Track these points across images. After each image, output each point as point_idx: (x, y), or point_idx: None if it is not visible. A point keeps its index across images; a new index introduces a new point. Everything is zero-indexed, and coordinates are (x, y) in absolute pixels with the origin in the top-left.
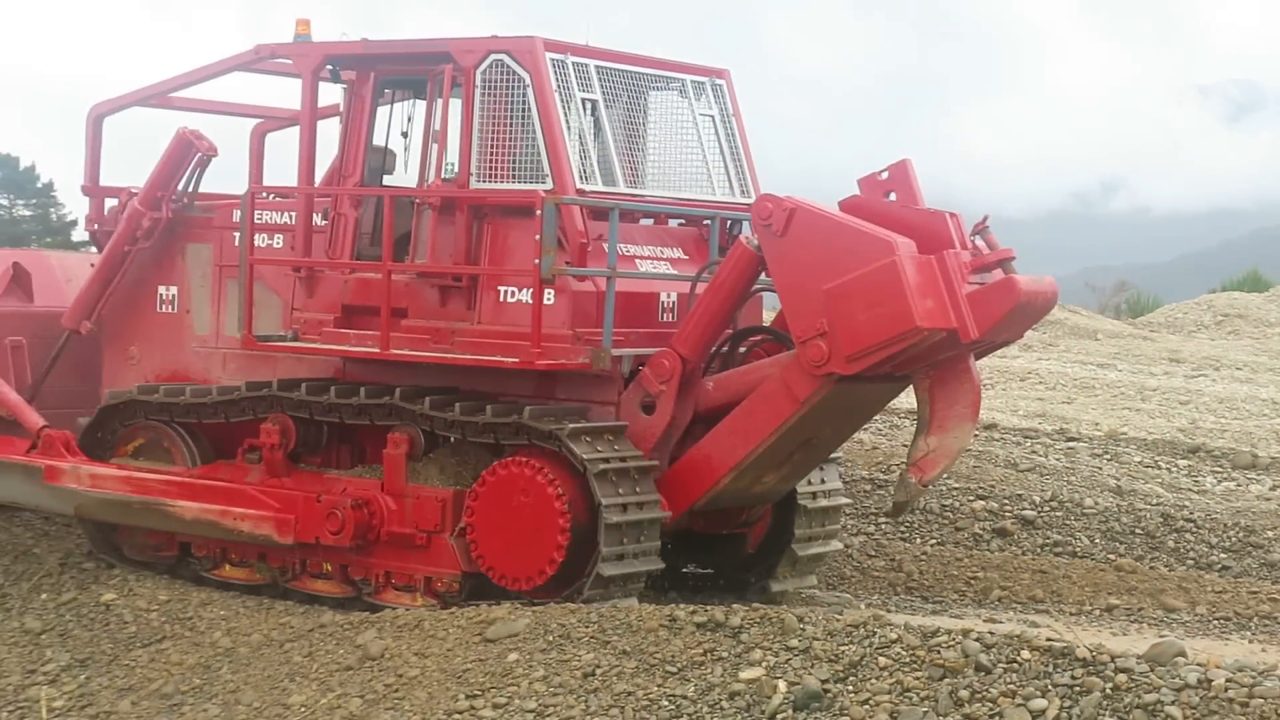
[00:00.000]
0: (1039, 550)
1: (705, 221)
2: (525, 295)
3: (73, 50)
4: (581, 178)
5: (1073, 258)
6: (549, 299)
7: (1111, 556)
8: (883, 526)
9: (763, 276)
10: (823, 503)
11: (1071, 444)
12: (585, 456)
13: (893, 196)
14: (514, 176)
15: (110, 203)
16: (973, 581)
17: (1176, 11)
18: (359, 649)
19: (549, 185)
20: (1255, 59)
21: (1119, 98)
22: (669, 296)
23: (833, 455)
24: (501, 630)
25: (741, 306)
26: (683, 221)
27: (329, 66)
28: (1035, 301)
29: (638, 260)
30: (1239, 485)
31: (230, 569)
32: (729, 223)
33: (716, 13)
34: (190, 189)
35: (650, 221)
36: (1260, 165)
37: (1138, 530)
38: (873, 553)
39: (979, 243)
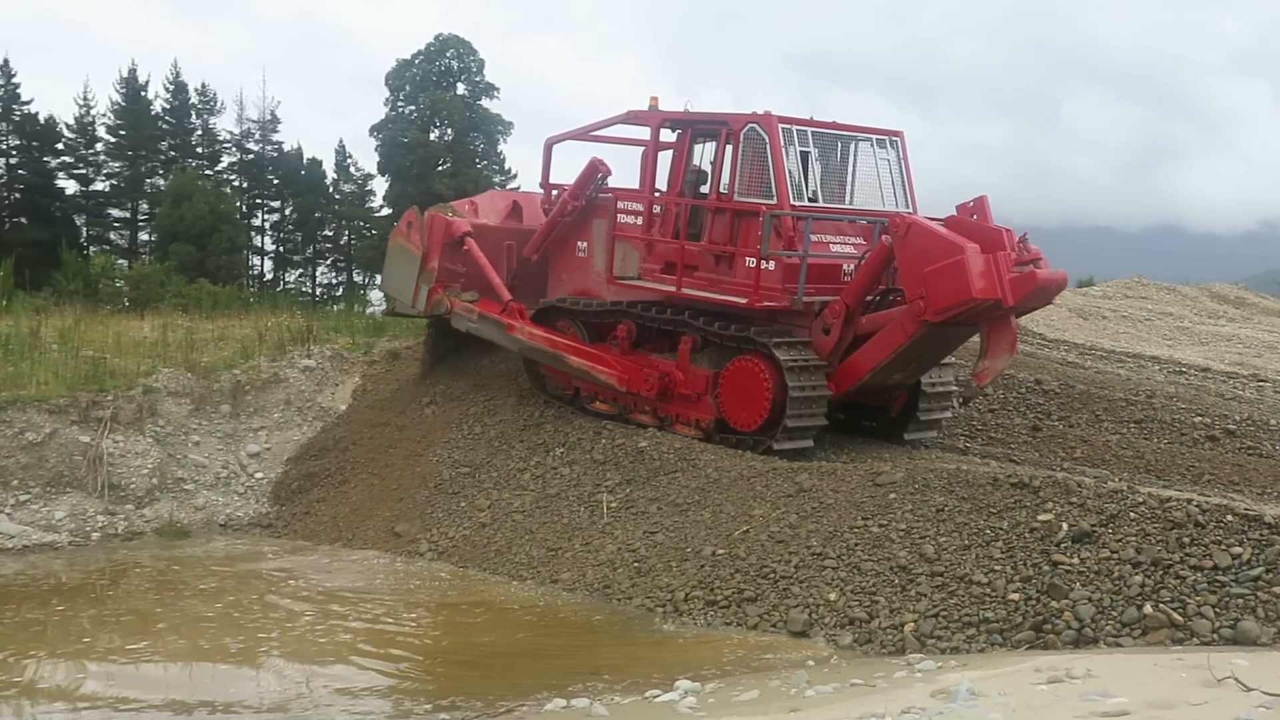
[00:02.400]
0: (1238, 451)
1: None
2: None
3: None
4: (796, 197)
5: (1262, 264)
6: (770, 267)
7: None
8: (1132, 429)
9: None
10: (938, 389)
11: (1261, 383)
12: (781, 358)
13: (975, 217)
14: (758, 194)
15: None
16: (1191, 469)
17: None
18: (796, 484)
19: (774, 201)
20: None
21: None
22: (849, 266)
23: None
24: (886, 479)
25: (884, 276)
26: (867, 222)
27: (668, 123)
28: (1049, 285)
29: (832, 245)
30: None
31: (599, 404)
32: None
33: (1029, 95)
34: (596, 189)
35: (847, 221)
36: None
37: None
38: (1124, 447)
39: (1022, 247)
